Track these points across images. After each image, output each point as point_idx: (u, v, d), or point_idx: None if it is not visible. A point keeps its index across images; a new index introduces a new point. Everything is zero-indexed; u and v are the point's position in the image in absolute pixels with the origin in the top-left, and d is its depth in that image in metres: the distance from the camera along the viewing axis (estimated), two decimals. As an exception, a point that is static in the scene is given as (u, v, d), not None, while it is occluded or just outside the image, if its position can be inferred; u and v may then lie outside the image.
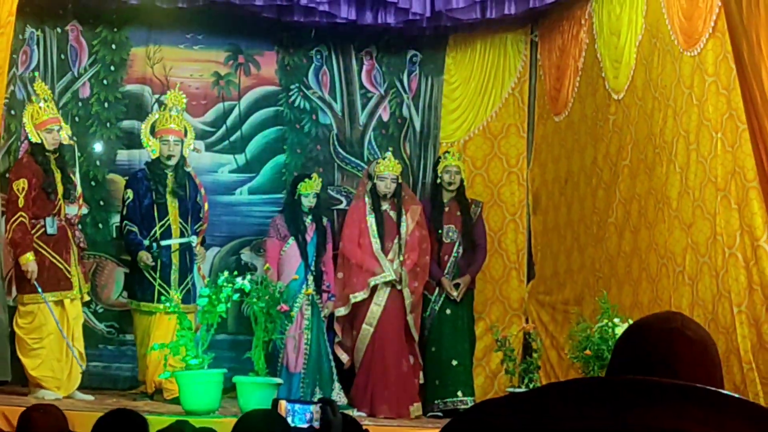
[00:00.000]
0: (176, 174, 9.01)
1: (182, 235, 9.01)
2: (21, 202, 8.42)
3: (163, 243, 8.92)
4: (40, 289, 8.40)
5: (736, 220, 7.15)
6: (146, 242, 8.90)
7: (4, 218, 8.65)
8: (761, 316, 6.93)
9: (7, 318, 9.00)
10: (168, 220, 8.98)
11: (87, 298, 8.95)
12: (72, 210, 8.73)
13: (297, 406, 3.17)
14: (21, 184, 8.45)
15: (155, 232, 8.93)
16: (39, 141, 8.58)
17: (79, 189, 8.85)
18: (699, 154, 7.55)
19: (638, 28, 8.51)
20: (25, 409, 4.56)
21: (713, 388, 1.41)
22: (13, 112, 9.36)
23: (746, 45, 6.53)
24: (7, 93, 8.78)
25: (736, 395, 1.39)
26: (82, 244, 8.91)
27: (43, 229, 8.50)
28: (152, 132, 9.06)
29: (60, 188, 8.62)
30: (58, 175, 8.64)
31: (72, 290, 8.59)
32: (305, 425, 3.13)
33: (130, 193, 8.99)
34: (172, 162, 8.99)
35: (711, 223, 7.38)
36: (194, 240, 9.08)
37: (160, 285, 8.84)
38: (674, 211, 7.85)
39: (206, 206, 9.26)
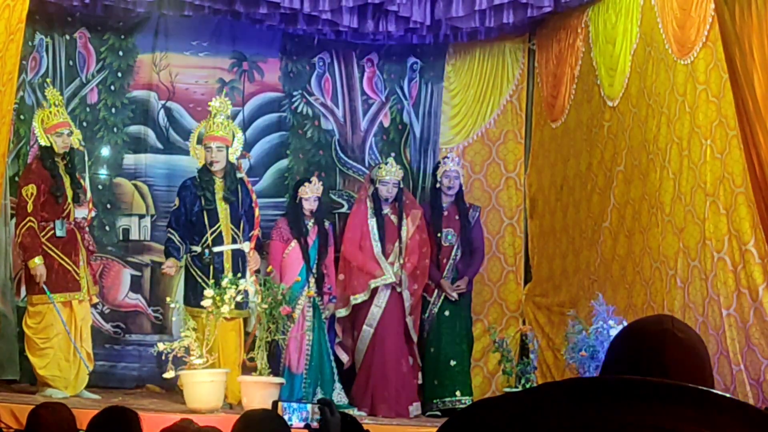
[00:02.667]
0: (225, 180, 8.97)
1: (234, 241, 8.96)
2: (30, 208, 8.51)
3: (215, 249, 8.88)
4: (48, 292, 8.49)
5: (724, 225, 7.26)
6: (198, 249, 8.88)
7: (14, 222, 8.78)
8: (749, 318, 7.05)
9: (16, 318, 9.16)
10: (219, 226, 8.93)
11: (96, 300, 9.04)
12: (81, 213, 8.82)
13: (294, 406, 3.30)
14: (30, 190, 8.54)
15: (206, 239, 8.90)
16: (48, 144, 8.68)
17: (89, 193, 8.92)
18: (690, 160, 7.65)
19: (633, 37, 8.60)
20: (33, 407, 4.64)
21: (704, 388, 1.42)
22: (22, 117, 9.47)
23: (739, 53, 6.64)
24: (17, 98, 8.84)
25: (727, 395, 1.41)
26: (91, 247, 8.97)
27: (52, 232, 8.58)
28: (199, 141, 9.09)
29: (69, 192, 8.70)
30: (66, 180, 8.72)
31: (80, 292, 8.67)
32: (301, 424, 3.26)
33: (176, 201, 9.00)
34: (216, 168, 8.92)
35: (700, 227, 7.48)
36: (246, 246, 9.01)
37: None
38: (667, 216, 7.94)
39: (257, 212, 9.18)
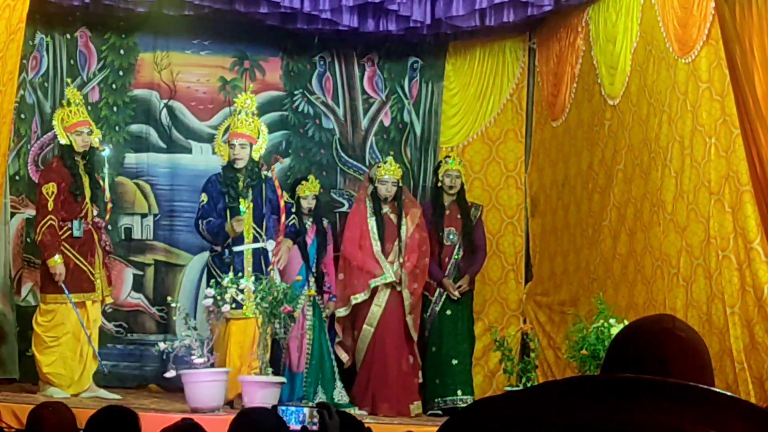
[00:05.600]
0: (250, 178, 8.85)
1: (255, 240, 8.84)
2: (50, 206, 8.49)
3: (236, 249, 8.80)
4: (66, 291, 8.47)
5: (729, 223, 7.26)
6: (218, 248, 8.77)
7: (35, 221, 8.74)
8: (753, 317, 7.05)
9: (15, 317, 9.15)
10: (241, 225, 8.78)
11: (109, 300, 9.00)
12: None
13: (290, 408, 3.31)
14: (50, 188, 8.52)
15: (228, 238, 8.77)
16: (68, 143, 8.68)
17: (107, 193, 8.92)
18: (693, 158, 7.66)
19: (633, 36, 8.62)
20: (34, 406, 4.63)
21: (705, 386, 1.42)
22: (23, 116, 9.48)
23: (739, 51, 6.67)
24: (17, 97, 8.86)
25: (729, 393, 1.41)
26: (107, 248, 8.94)
27: (69, 232, 8.56)
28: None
29: (87, 192, 8.69)
30: (86, 179, 8.71)
31: (94, 292, 8.66)
32: (298, 426, 3.27)
33: (204, 197, 8.83)
34: (240, 165, 8.80)
35: (705, 226, 7.49)
36: (270, 245, 8.86)
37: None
38: (669, 215, 7.95)
39: (282, 202, 8.99)
